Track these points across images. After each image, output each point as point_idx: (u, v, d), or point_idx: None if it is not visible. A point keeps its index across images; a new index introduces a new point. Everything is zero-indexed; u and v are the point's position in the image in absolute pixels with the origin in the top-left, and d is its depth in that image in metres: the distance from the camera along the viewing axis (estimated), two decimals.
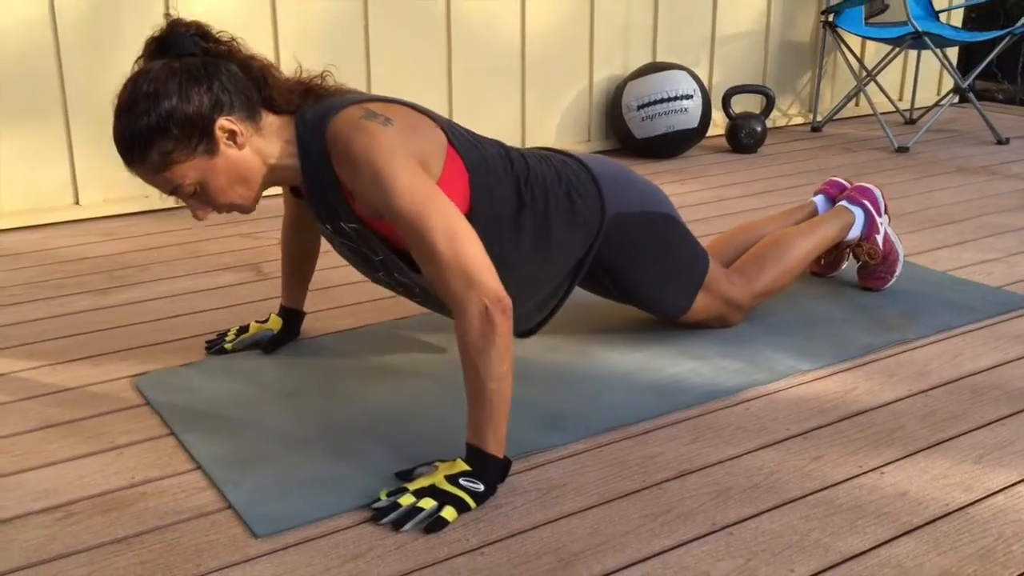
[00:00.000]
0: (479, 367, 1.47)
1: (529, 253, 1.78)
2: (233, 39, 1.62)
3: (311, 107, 1.61)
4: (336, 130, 1.54)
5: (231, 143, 1.56)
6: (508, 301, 1.48)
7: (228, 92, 1.54)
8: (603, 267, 1.95)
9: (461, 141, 1.69)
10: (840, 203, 2.29)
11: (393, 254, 1.68)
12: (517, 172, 1.77)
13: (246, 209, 1.65)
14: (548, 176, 1.82)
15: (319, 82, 1.66)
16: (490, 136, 3.77)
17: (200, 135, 1.53)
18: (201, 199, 1.61)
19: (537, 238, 1.78)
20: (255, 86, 1.59)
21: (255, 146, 1.59)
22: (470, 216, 1.68)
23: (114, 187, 3.15)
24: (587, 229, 1.86)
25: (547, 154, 1.90)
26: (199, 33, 1.58)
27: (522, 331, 1.98)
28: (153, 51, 1.57)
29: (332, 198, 1.61)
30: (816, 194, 2.39)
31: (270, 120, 1.61)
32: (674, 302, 2.03)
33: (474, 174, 1.68)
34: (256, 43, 3.25)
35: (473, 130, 3.62)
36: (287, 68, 3.23)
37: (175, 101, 1.51)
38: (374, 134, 1.52)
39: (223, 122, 1.54)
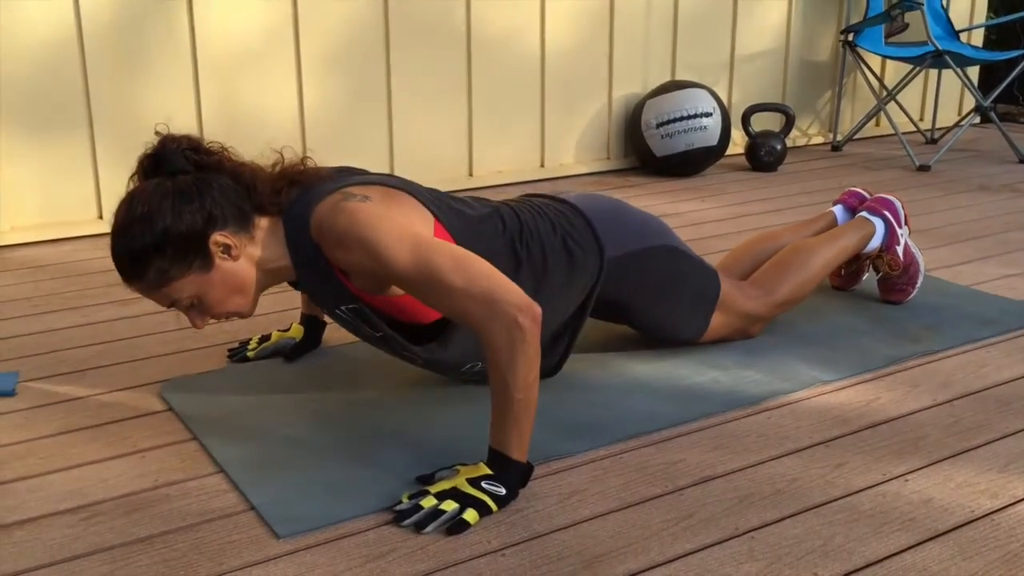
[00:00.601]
0: (507, 377, 1.47)
1: None
2: (223, 148, 1.64)
3: (295, 200, 1.61)
4: (319, 220, 1.56)
5: (226, 256, 1.59)
6: (537, 308, 1.48)
7: (220, 207, 1.57)
8: (612, 307, 1.97)
9: (446, 212, 1.69)
10: (860, 214, 2.28)
11: (393, 330, 1.69)
12: (511, 231, 1.77)
13: (244, 315, 1.67)
14: (543, 229, 1.82)
15: (300, 168, 1.66)
16: (511, 154, 3.79)
17: (195, 252, 1.56)
18: (199, 310, 1.63)
19: (537, 292, 1.78)
20: (246, 195, 1.61)
21: (249, 254, 1.62)
22: None
23: None
24: (586, 277, 1.86)
25: (540, 204, 1.89)
26: (190, 147, 1.60)
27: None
28: (147, 168, 1.60)
29: (328, 285, 1.63)
30: (835, 204, 2.39)
31: (263, 224, 1.63)
32: (689, 328, 2.03)
33: (461, 243, 1.68)
34: (279, 65, 3.28)
35: (494, 142, 3.64)
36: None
37: (169, 221, 1.53)
38: (354, 211, 1.54)
39: (217, 237, 1.56)
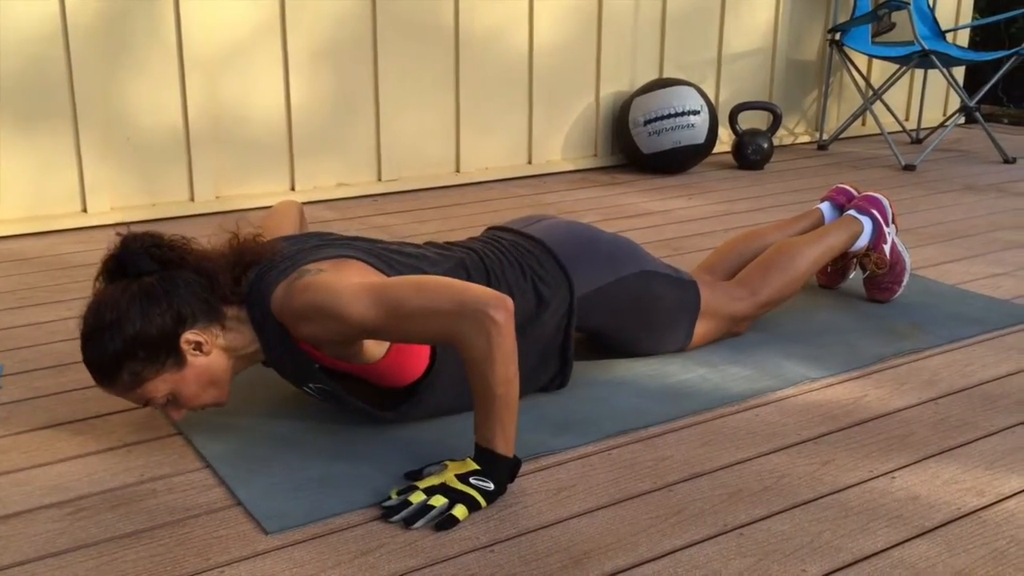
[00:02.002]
0: (486, 374, 1.46)
1: None
2: (185, 240, 1.64)
3: (253, 284, 1.61)
4: (279, 303, 1.56)
5: (197, 352, 1.58)
6: (508, 300, 1.47)
7: (188, 304, 1.57)
8: (594, 337, 1.97)
9: (402, 271, 1.68)
10: (848, 212, 2.29)
11: (361, 403, 1.68)
12: (476, 282, 1.75)
13: (220, 405, 1.67)
14: (510, 275, 1.80)
15: (254, 247, 1.65)
16: (498, 151, 3.79)
17: (167, 352, 1.55)
18: (175, 405, 1.63)
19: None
20: (211, 287, 1.60)
21: (220, 346, 1.61)
22: (433, 348, 1.68)
23: (121, 195, 3.16)
24: (558, 317, 1.84)
25: (507, 244, 1.87)
26: (153, 244, 1.60)
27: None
28: (111, 269, 1.60)
29: (296, 361, 1.63)
30: (822, 200, 2.39)
31: (230, 313, 1.62)
32: (673, 343, 2.04)
33: None
34: (265, 59, 3.27)
35: (481, 139, 3.64)
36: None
37: (139, 325, 1.53)
38: (308, 285, 1.54)
39: (188, 336, 1.56)
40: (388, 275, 1.65)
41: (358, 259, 1.65)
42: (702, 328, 2.05)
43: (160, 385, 1.58)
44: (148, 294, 1.55)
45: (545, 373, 1.86)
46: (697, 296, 2.02)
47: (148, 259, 1.59)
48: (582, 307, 1.88)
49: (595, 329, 1.94)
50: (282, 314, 1.56)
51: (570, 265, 1.87)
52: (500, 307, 1.46)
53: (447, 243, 1.87)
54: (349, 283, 1.53)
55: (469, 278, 1.76)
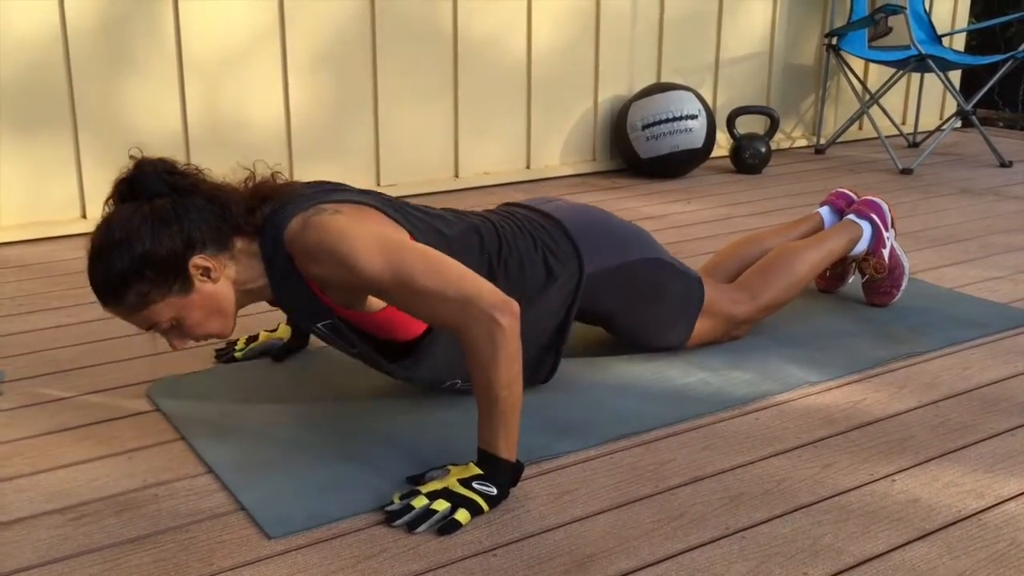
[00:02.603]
0: (490, 376, 1.47)
1: None
2: (199, 171, 1.64)
3: (268, 218, 1.61)
4: (291, 237, 1.56)
5: (205, 278, 1.58)
6: (514, 304, 1.49)
7: (199, 229, 1.56)
8: (596, 319, 1.97)
9: (422, 230, 1.69)
10: (848, 217, 2.30)
11: (367, 346, 1.69)
12: (488, 248, 1.76)
13: (224, 336, 1.66)
14: (523, 245, 1.81)
15: (272, 184, 1.66)
16: (497, 156, 3.79)
17: (175, 275, 1.55)
18: (178, 333, 1.62)
19: None
20: (223, 216, 1.60)
21: (228, 275, 1.61)
22: None
23: None
24: (565, 293, 1.85)
25: (522, 217, 1.88)
26: (166, 170, 1.59)
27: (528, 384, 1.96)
28: (123, 192, 1.59)
29: (304, 301, 1.63)
30: (822, 205, 2.40)
31: (240, 244, 1.62)
32: (674, 336, 2.04)
33: None
34: (264, 65, 3.27)
35: (480, 144, 3.64)
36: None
37: (148, 245, 1.52)
38: (325, 224, 1.54)
39: (196, 260, 1.56)
40: (405, 228, 1.65)
41: (376, 208, 1.65)
42: (702, 326, 2.05)
43: (165, 309, 1.57)
44: (160, 216, 1.54)
45: (538, 356, 1.86)
46: (702, 291, 2.03)
47: (161, 183, 1.58)
48: (589, 286, 1.88)
49: (599, 312, 1.94)
50: (293, 248, 1.55)
51: (582, 242, 1.88)
52: (506, 311, 1.47)
53: (462, 211, 1.87)
54: (366, 234, 1.53)
55: (482, 243, 1.76)
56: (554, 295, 1.83)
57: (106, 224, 1.56)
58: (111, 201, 1.60)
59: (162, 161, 1.60)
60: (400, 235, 1.62)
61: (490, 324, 1.46)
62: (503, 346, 1.47)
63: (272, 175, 1.68)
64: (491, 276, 1.75)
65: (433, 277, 1.49)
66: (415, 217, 1.71)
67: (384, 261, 1.50)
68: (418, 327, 1.69)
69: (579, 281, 1.86)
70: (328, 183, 1.73)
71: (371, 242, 1.52)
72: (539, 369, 1.89)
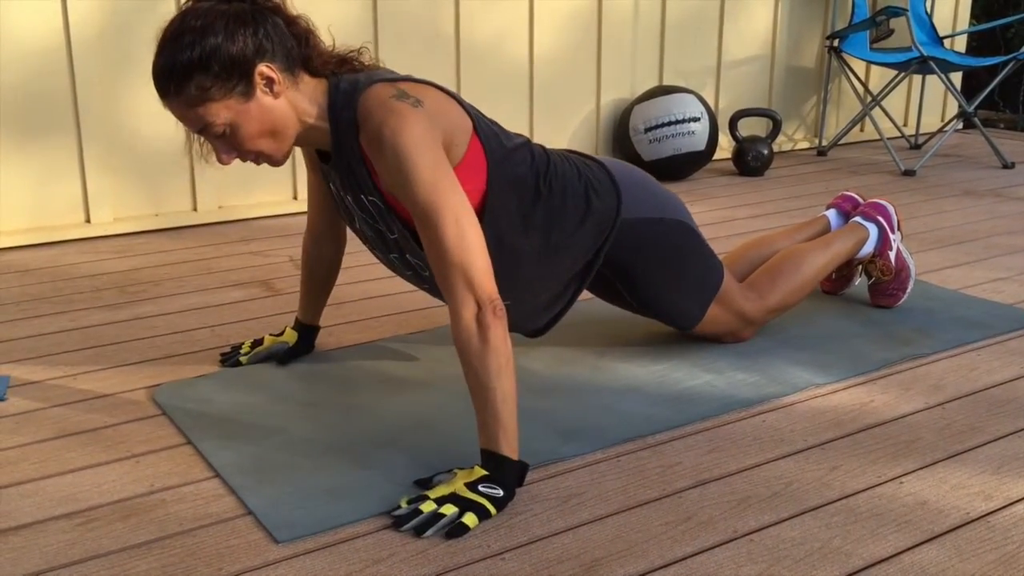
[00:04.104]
0: (477, 368, 1.49)
1: (539, 246, 1.79)
2: (284, 2, 1.64)
3: (346, 77, 1.63)
4: (367, 106, 1.57)
5: (267, 90, 1.57)
6: (501, 305, 1.52)
7: (272, 41, 1.56)
8: (616, 271, 1.96)
9: (485, 131, 1.71)
10: (854, 219, 2.30)
11: (408, 232, 1.70)
12: (538, 166, 1.79)
13: (275, 161, 1.65)
14: (568, 172, 1.84)
15: (356, 56, 1.68)
16: None
17: (239, 76, 1.54)
18: (229, 142, 1.60)
19: (548, 232, 1.80)
20: (297, 43, 1.61)
21: (291, 99, 1.60)
22: (484, 205, 1.70)
23: (124, 206, 3.16)
24: (599, 229, 1.87)
25: (568, 154, 1.92)
26: None
27: (530, 330, 1.98)
28: None
29: (357, 169, 1.64)
30: (828, 208, 2.40)
31: (306, 80, 1.62)
32: (686, 311, 2.03)
33: (493, 164, 1.70)
34: None
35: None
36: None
37: (220, 39, 1.52)
38: (404, 115, 1.54)
39: (263, 68, 1.55)
40: (471, 118, 1.67)
41: (455, 99, 1.66)
42: (714, 312, 2.05)
43: (223, 111, 1.55)
44: (237, 16, 1.54)
45: (559, 291, 1.88)
46: (722, 274, 2.04)
47: None
48: (622, 232, 1.90)
49: (624, 264, 1.94)
50: (365, 119, 1.56)
51: (623, 186, 1.91)
52: (495, 310, 1.51)
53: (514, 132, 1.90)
54: (432, 154, 1.54)
55: (533, 159, 1.78)
56: (589, 228, 1.85)
57: (182, 15, 1.55)
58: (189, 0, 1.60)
59: None
60: (463, 135, 1.64)
61: (479, 315, 1.50)
62: (489, 338, 1.49)
63: (359, 49, 1.69)
64: (536, 195, 1.77)
65: (456, 241, 1.51)
66: (481, 118, 1.73)
67: (429, 193, 1.52)
68: None
69: (615, 220, 1.88)
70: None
71: (431, 167, 1.53)
72: (553, 305, 1.91)
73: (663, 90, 3.85)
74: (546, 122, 3.88)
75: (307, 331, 2.09)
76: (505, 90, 3.76)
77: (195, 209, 3.26)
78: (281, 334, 2.11)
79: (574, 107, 3.95)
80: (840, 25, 4.50)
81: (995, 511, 1.50)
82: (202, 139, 1.68)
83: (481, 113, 1.76)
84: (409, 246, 1.71)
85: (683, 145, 3.80)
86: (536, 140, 3.86)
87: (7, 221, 3.00)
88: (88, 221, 3.10)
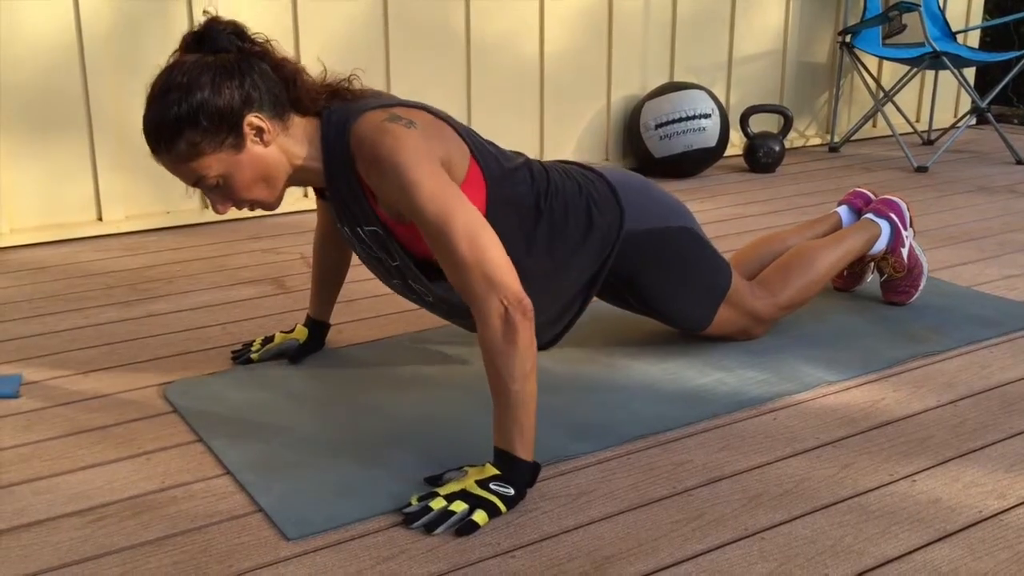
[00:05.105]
0: (501, 369, 1.48)
1: (543, 265, 1.79)
2: (268, 41, 1.64)
3: (336, 109, 1.63)
4: (360, 134, 1.56)
5: (258, 140, 1.58)
6: (529, 303, 1.50)
7: (259, 89, 1.56)
8: (623, 281, 1.96)
9: (482, 152, 1.70)
10: (866, 216, 2.29)
11: (409, 260, 1.69)
12: (538, 186, 1.78)
13: (268, 206, 1.66)
14: (569, 189, 1.83)
15: (346, 84, 1.68)
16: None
17: (229, 129, 1.54)
18: (223, 193, 1.61)
19: (551, 250, 1.79)
20: (285, 87, 1.61)
21: (281, 145, 1.61)
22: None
23: (136, 204, 3.17)
24: (602, 244, 1.86)
25: (569, 167, 1.91)
26: (235, 32, 1.60)
27: (538, 344, 1.97)
28: (189, 44, 1.60)
29: (354, 200, 1.63)
30: (840, 204, 2.39)
31: (297, 121, 1.63)
32: (695, 316, 2.03)
33: (492, 185, 1.69)
34: None
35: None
36: (313, 70, 3.27)
37: (207, 93, 1.52)
38: (399, 136, 1.53)
39: (252, 118, 1.56)
40: (467, 145, 1.66)
41: (445, 121, 1.65)
42: (723, 314, 2.04)
43: (214, 164, 1.56)
44: (223, 68, 1.55)
45: (566, 304, 1.87)
46: (730, 276, 2.03)
47: (229, 41, 1.58)
48: (626, 244, 1.89)
49: (629, 274, 1.94)
50: (359, 148, 1.55)
51: (625, 198, 1.90)
52: (522, 309, 1.49)
53: (512, 151, 1.88)
54: (432, 164, 1.53)
55: (532, 179, 1.77)
56: (592, 243, 1.84)
57: (168, 70, 1.56)
58: (177, 52, 1.60)
59: (233, 23, 1.61)
60: (462, 161, 1.63)
61: (504, 317, 1.47)
62: (515, 340, 1.47)
63: (348, 77, 1.68)
64: (537, 214, 1.76)
65: (471, 247, 1.50)
66: (478, 141, 1.72)
67: (436, 206, 1.51)
68: None
69: (618, 234, 1.87)
70: (394, 97, 1.75)
71: (435, 180, 1.52)
72: (560, 319, 1.89)
73: (674, 86, 3.84)
74: (557, 119, 3.88)
75: (318, 328, 2.09)
76: (516, 87, 3.76)
77: (206, 207, 3.27)
78: (292, 331, 2.11)
79: (585, 104, 3.94)
80: (852, 20, 4.48)
81: (1008, 509, 1.50)
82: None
83: (477, 134, 1.75)
84: (411, 273, 1.70)
85: (694, 142, 3.79)
86: (547, 138, 3.86)
87: (20, 219, 3.02)
88: (100, 219, 3.11)
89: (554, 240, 1.79)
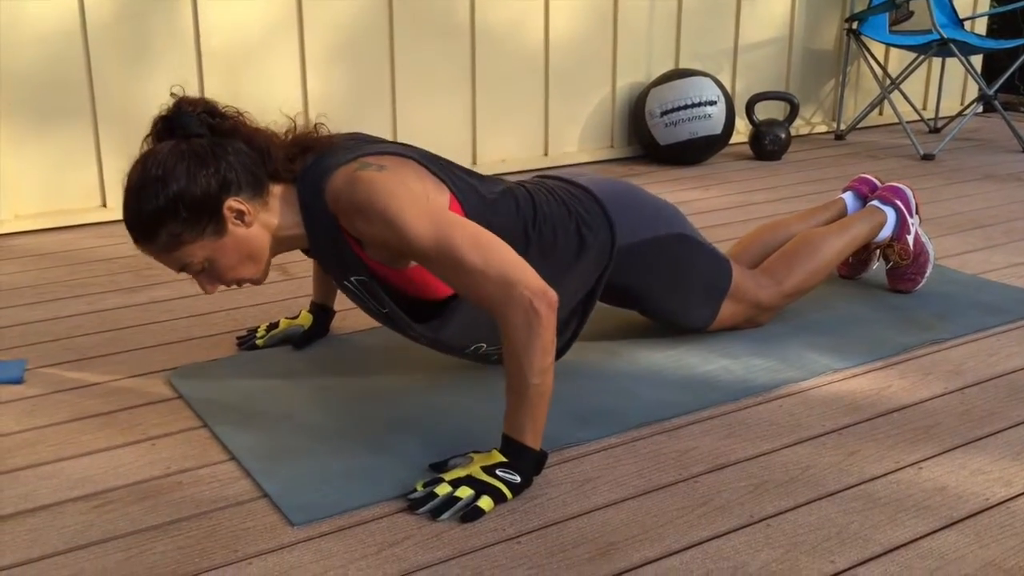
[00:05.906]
0: (523, 362, 1.46)
1: None
2: (239, 113, 1.63)
3: (309, 169, 1.60)
4: (335, 190, 1.55)
5: (239, 222, 1.57)
6: (553, 294, 1.48)
7: (235, 171, 1.55)
8: (622, 293, 1.95)
9: (460, 186, 1.68)
10: (872, 202, 2.28)
11: (397, 307, 1.68)
12: (524, 213, 1.75)
13: (256, 282, 1.67)
14: (556, 212, 1.80)
15: (314, 135, 1.66)
16: (515, 143, 3.78)
17: (208, 216, 1.54)
18: (210, 276, 1.62)
19: (544, 275, 1.76)
20: (260, 160, 1.60)
21: (262, 221, 1.60)
22: None
23: None
24: (596, 263, 1.84)
25: (554, 186, 1.87)
26: (206, 111, 1.59)
27: None
28: (160, 131, 1.59)
29: (339, 255, 1.62)
30: (845, 191, 2.38)
31: (276, 191, 1.62)
32: (698, 317, 2.02)
33: (473, 219, 1.67)
34: (283, 55, 3.27)
35: (498, 131, 3.64)
36: (314, 71, 3.26)
37: (183, 184, 1.52)
38: (373, 181, 1.52)
39: (231, 203, 1.55)
40: (447, 185, 1.65)
41: (418, 162, 1.64)
42: (727, 309, 2.04)
43: (198, 251, 1.56)
44: (197, 155, 1.54)
45: (565, 320, 1.86)
46: (730, 274, 2.01)
47: (199, 123, 1.57)
48: (620, 259, 1.88)
49: (627, 286, 1.92)
50: (337, 202, 1.54)
51: (614, 213, 1.87)
52: (545, 299, 1.47)
53: (495, 177, 1.87)
54: (413, 196, 1.52)
55: (518, 207, 1.75)
56: (585, 264, 1.82)
57: (142, 162, 1.55)
58: (149, 138, 1.60)
59: (203, 101, 1.60)
60: (442, 197, 1.62)
61: (528, 311, 1.46)
62: (540, 334, 1.46)
63: (315, 127, 1.67)
64: (526, 241, 1.74)
65: (478, 253, 1.48)
66: (455, 175, 1.70)
67: (432, 229, 1.49)
68: (448, 287, 1.68)
69: (611, 251, 1.85)
70: (367, 135, 1.74)
71: (420, 208, 1.51)
72: (561, 335, 1.88)
73: (679, 73, 3.83)
74: (561, 107, 3.87)
75: (322, 314, 2.09)
76: (521, 75, 3.74)
77: None
78: (297, 317, 2.11)
79: (590, 91, 3.93)
80: (859, 7, 4.46)
81: (1015, 497, 1.49)
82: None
83: (454, 167, 1.73)
84: (400, 319, 1.69)
85: (699, 129, 3.77)
86: (552, 126, 3.85)
87: (24, 205, 3.01)
88: (104, 205, 3.11)
89: (544, 264, 1.76)
